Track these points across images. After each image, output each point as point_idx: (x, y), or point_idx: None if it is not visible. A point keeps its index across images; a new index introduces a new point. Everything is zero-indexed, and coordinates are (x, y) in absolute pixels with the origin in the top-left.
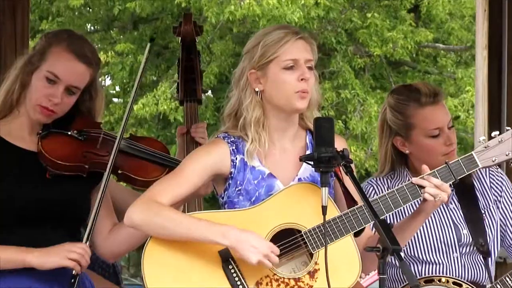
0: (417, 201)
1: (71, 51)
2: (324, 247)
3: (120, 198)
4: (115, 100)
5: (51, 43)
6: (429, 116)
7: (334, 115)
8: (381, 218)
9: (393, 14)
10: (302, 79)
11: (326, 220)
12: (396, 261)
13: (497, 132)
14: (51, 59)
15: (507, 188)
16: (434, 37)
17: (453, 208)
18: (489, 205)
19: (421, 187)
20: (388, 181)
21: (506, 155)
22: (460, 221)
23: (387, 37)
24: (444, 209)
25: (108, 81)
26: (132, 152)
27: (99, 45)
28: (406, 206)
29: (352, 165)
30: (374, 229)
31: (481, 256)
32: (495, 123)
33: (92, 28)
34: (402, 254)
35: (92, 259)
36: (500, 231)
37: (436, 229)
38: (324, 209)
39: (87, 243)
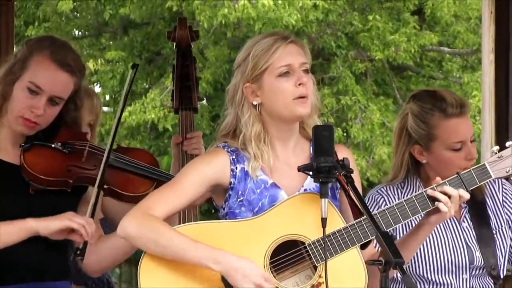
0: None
1: (54, 60)
2: (328, 259)
3: (112, 208)
4: (105, 109)
5: (32, 51)
6: (454, 128)
7: (334, 123)
8: (387, 230)
9: (396, 16)
10: (299, 84)
11: (331, 232)
12: (399, 275)
13: (511, 143)
14: (33, 68)
15: None
16: (438, 40)
17: (466, 227)
18: (501, 226)
19: (433, 199)
20: (399, 190)
21: None
22: (473, 242)
23: (389, 41)
24: (457, 227)
25: (97, 89)
26: (119, 165)
27: (88, 51)
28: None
29: (356, 174)
30: (377, 246)
31: (489, 278)
32: (502, 130)
33: (80, 33)
34: (404, 267)
35: (86, 275)
36: (510, 251)
37: (448, 249)
38: (323, 221)
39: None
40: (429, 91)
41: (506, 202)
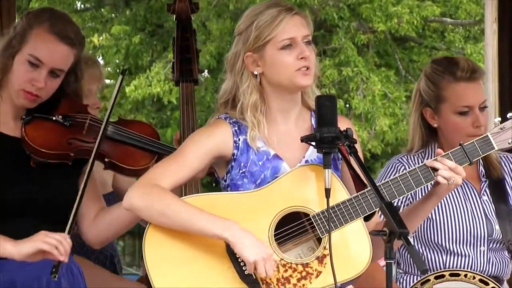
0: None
1: (53, 32)
2: (333, 231)
3: (122, 183)
4: (108, 81)
5: (31, 24)
6: (461, 92)
7: (335, 94)
8: (391, 201)
9: None
10: (302, 58)
11: (335, 203)
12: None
13: None
14: (33, 41)
15: None
16: (441, 11)
17: (486, 200)
18: None
19: (435, 169)
20: (419, 160)
21: None
22: (493, 216)
23: (391, 12)
24: (477, 200)
25: (100, 61)
26: (119, 138)
27: (91, 24)
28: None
29: (357, 146)
30: (381, 216)
31: (507, 253)
32: (506, 101)
33: (82, 6)
34: (410, 238)
35: (89, 249)
36: None
37: (467, 220)
38: (327, 191)
39: (69, 232)
40: (447, 57)
41: None
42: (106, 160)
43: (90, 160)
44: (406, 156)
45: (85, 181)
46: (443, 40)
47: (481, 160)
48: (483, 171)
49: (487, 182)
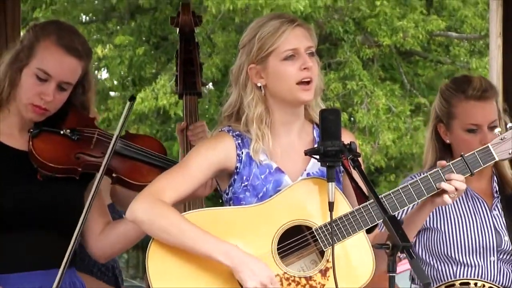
0: None
1: (61, 45)
2: (335, 244)
3: (121, 194)
4: (112, 94)
5: (39, 37)
6: (470, 110)
7: (340, 107)
8: (392, 214)
9: (404, 1)
10: (304, 68)
11: (338, 216)
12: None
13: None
14: (40, 55)
15: None
16: (446, 25)
17: (497, 215)
18: None
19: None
20: None
21: None
22: (503, 228)
23: (397, 26)
24: (487, 214)
25: (105, 75)
26: (127, 153)
27: (96, 36)
28: None
29: (360, 159)
30: (381, 227)
31: None
32: (510, 116)
33: (87, 18)
34: (432, 247)
35: (90, 262)
36: None
37: (476, 231)
38: (330, 205)
39: (73, 246)
40: (465, 75)
41: None
42: (114, 175)
43: (99, 176)
44: (419, 173)
45: (92, 195)
46: (448, 54)
47: (495, 177)
48: (497, 188)
49: (499, 198)
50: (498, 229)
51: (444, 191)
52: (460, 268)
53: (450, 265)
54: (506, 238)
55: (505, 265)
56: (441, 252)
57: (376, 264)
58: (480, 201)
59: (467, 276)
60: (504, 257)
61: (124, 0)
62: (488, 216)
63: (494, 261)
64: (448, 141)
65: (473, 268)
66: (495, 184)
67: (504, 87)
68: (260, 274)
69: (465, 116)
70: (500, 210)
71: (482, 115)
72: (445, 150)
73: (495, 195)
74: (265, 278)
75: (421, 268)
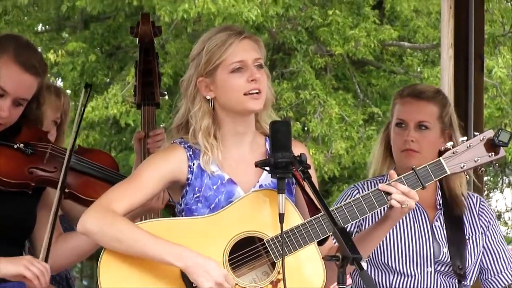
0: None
1: (19, 62)
2: (286, 255)
3: (71, 206)
4: None
5: None
6: (401, 106)
7: (293, 117)
8: (344, 226)
9: (356, 11)
10: (252, 80)
11: (289, 228)
12: (357, 271)
13: (465, 138)
14: None
15: (493, 226)
16: (399, 35)
17: (438, 226)
18: (475, 233)
19: (388, 193)
20: (377, 185)
21: (475, 161)
22: (442, 240)
23: (349, 36)
24: (427, 225)
25: (58, 83)
26: (80, 169)
27: (49, 45)
28: (374, 213)
29: (312, 171)
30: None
31: (456, 280)
32: (461, 125)
33: (42, 28)
34: (363, 263)
35: None
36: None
37: (415, 241)
38: (281, 216)
39: (46, 260)
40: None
41: (481, 215)
42: (67, 190)
43: (57, 194)
44: (361, 182)
45: (54, 212)
46: (402, 64)
47: (439, 190)
48: (440, 200)
49: (441, 211)
50: (438, 240)
51: (391, 197)
52: (397, 278)
53: (387, 274)
54: (445, 249)
55: (442, 276)
56: (378, 260)
57: (329, 276)
58: (421, 211)
59: (403, 286)
60: (442, 268)
61: (74, 7)
62: (427, 227)
63: (431, 272)
64: (391, 143)
65: (409, 278)
66: (438, 197)
67: (456, 97)
68: (213, 273)
69: (397, 111)
70: (442, 222)
71: (410, 111)
72: (391, 161)
73: (438, 207)
74: (219, 277)
75: (371, 279)
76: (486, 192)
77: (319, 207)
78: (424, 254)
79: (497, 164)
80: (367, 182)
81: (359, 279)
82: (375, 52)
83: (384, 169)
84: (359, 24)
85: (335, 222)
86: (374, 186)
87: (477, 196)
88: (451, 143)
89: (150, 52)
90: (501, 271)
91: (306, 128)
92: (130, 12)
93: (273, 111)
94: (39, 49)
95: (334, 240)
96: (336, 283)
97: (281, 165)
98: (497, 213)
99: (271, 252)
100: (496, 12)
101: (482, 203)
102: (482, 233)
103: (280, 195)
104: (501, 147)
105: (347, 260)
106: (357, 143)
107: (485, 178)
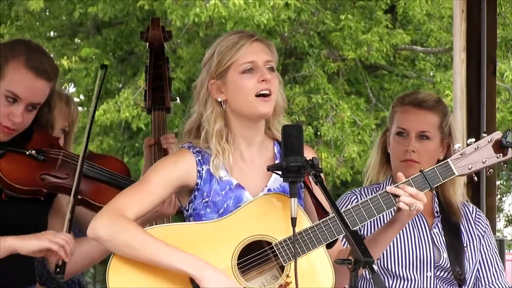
0: (392, 210)
1: (30, 67)
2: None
3: (81, 211)
4: (79, 109)
5: (7, 58)
6: (402, 114)
7: (305, 121)
8: (353, 229)
9: (368, 15)
10: (262, 80)
11: (297, 231)
12: (369, 274)
13: (473, 139)
14: (10, 76)
15: (488, 235)
16: (411, 39)
17: (437, 233)
18: (472, 241)
19: (396, 196)
20: (373, 193)
21: (483, 163)
22: (442, 245)
23: (361, 40)
24: (426, 231)
25: (71, 89)
26: (92, 175)
27: (61, 51)
28: (382, 216)
29: (322, 175)
30: (345, 243)
31: (456, 286)
32: (474, 129)
33: (54, 33)
34: (375, 266)
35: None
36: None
37: (414, 245)
38: (293, 220)
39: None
40: (417, 90)
41: (478, 223)
42: (79, 197)
43: (71, 200)
44: (359, 188)
45: (69, 220)
46: (414, 68)
47: (436, 198)
48: (437, 208)
49: (439, 218)
50: (437, 245)
51: (399, 199)
52: (396, 282)
53: (386, 278)
54: (445, 255)
55: (441, 283)
56: (378, 264)
57: (339, 280)
58: (420, 217)
59: None
60: (441, 274)
61: (87, 13)
62: (427, 232)
63: (430, 277)
64: (389, 151)
65: (409, 282)
66: (435, 204)
67: (468, 101)
68: (225, 282)
69: (397, 120)
70: (440, 229)
71: (411, 120)
72: (387, 168)
73: (436, 214)
74: (232, 285)
75: (383, 282)
76: (499, 196)
77: (327, 210)
78: (423, 259)
79: (505, 165)
80: (364, 189)
81: (367, 285)
82: (388, 56)
83: (380, 177)
84: (371, 29)
85: (347, 225)
86: (371, 193)
87: (472, 206)
88: (459, 145)
89: (160, 56)
90: (492, 281)
91: (318, 132)
92: (142, 17)
93: (285, 115)
94: (52, 55)
95: (343, 242)
96: None
97: (293, 169)
98: (510, 217)
99: (279, 256)
100: (508, 15)
101: (477, 212)
102: (478, 242)
103: (292, 199)
104: (510, 148)
105: (360, 263)
106: (369, 147)
107: (497, 182)
